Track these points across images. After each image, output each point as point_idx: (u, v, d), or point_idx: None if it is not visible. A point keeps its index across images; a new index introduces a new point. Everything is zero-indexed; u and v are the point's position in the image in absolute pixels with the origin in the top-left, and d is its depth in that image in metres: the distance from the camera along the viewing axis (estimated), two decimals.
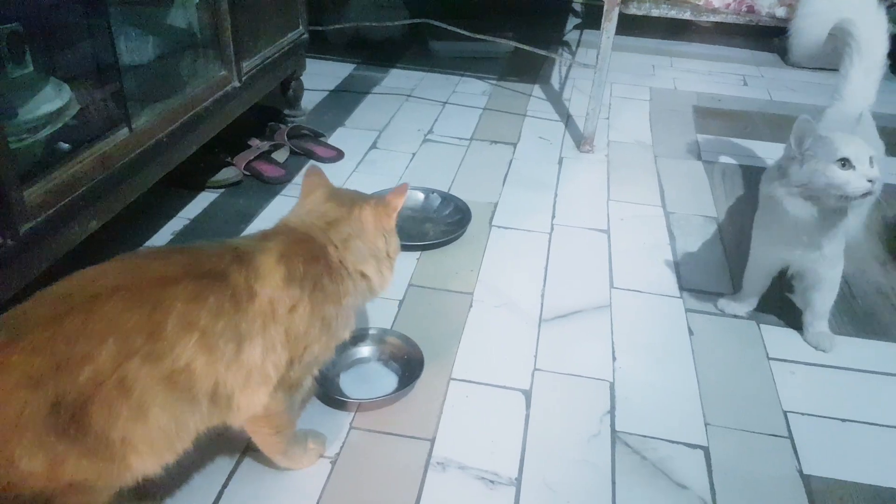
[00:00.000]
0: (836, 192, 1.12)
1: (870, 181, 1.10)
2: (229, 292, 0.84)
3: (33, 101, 1.17)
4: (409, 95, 2.41)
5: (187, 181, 1.75)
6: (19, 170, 1.04)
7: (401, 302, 1.39)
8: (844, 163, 1.11)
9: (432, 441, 1.10)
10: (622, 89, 2.57)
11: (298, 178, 1.84)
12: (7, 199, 1.01)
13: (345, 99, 2.37)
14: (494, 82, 2.57)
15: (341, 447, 1.08)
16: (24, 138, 1.12)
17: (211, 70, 1.62)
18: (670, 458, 1.09)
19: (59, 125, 1.18)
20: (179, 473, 0.99)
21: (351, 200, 1.02)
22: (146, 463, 0.80)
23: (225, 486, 1.00)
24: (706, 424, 1.16)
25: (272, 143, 1.93)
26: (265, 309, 0.87)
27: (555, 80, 2.63)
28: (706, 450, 1.11)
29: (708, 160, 2.07)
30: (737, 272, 1.49)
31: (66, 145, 1.20)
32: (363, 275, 1.00)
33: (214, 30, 1.60)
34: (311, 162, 1.90)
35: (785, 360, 1.30)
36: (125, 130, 1.29)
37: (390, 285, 1.06)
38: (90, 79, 1.32)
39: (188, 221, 1.63)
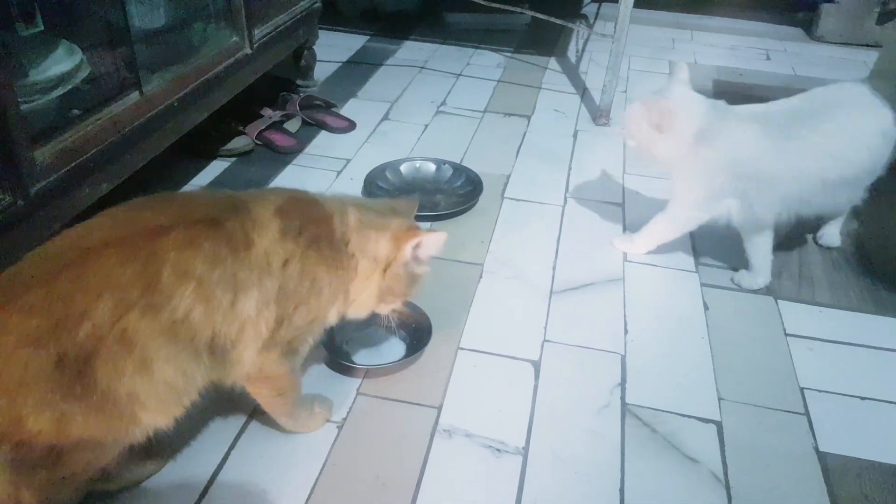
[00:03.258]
0: None
1: None
2: (225, 239, 0.82)
3: (44, 62, 1.16)
4: (422, 67, 2.38)
5: (200, 149, 1.74)
6: (30, 130, 1.04)
7: None
8: None
9: (439, 409, 1.09)
10: (641, 62, 2.52)
11: (310, 149, 1.83)
12: (17, 158, 1.01)
13: (357, 70, 2.34)
14: (509, 55, 2.53)
15: (348, 412, 1.07)
16: (34, 99, 1.12)
17: (223, 36, 1.60)
18: (681, 431, 1.08)
19: (70, 87, 1.17)
20: (187, 432, 0.99)
21: (400, 217, 0.99)
22: (155, 417, 0.80)
23: (232, 446, 1.01)
24: (719, 399, 1.14)
25: (284, 112, 1.92)
26: (261, 260, 0.84)
27: (571, 53, 2.58)
28: (719, 424, 1.09)
29: None
30: None
31: (76, 111, 1.19)
32: (356, 269, 0.95)
33: None
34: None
35: (803, 337, 1.28)
36: (136, 94, 1.29)
37: (363, 314, 1.00)
38: (101, 42, 1.31)
39: (200, 189, 1.63)
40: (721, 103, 1.32)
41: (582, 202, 1.66)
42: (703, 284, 1.40)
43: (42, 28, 1.11)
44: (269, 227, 0.86)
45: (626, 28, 1.90)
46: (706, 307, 1.34)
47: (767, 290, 1.38)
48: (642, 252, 1.47)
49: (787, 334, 1.28)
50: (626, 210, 1.63)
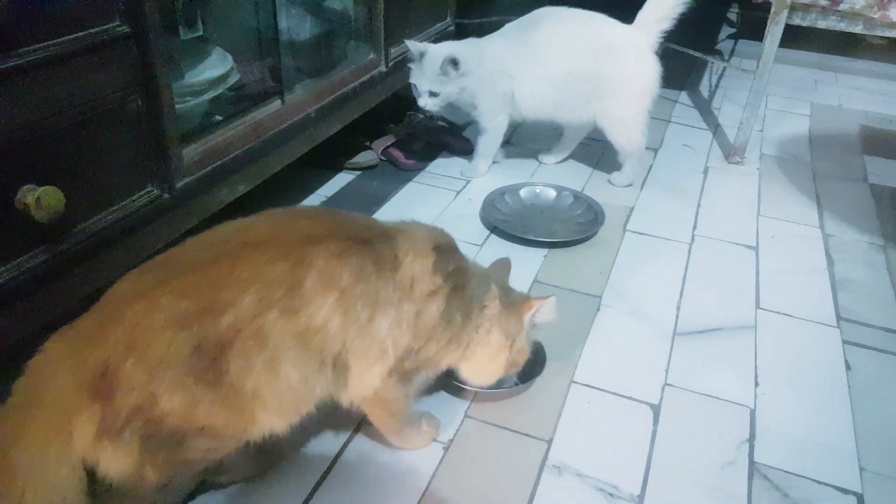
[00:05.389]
0: None
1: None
2: (373, 257, 0.83)
3: (199, 66, 1.23)
4: None
5: (327, 161, 1.79)
6: (181, 129, 1.10)
7: None
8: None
9: (549, 442, 1.04)
10: (779, 102, 2.39)
11: (431, 167, 1.84)
12: (168, 155, 1.06)
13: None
14: None
15: (455, 434, 1.05)
16: (186, 100, 1.18)
17: (361, 53, 1.65)
18: (817, 499, 0.97)
19: (220, 91, 1.24)
20: (296, 437, 1.00)
21: (516, 292, 1.06)
22: (273, 420, 0.80)
23: (338, 455, 1.00)
24: (861, 469, 1.02)
25: (409, 131, 1.95)
26: (405, 283, 0.86)
27: (704, 88, 2.48)
28: (860, 497, 0.98)
29: (876, 183, 1.87)
30: None
31: (223, 115, 1.25)
32: (486, 337, 0.99)
33: (368, 14, 1.63)
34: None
35: None
36: (278, 102, 1.34)
37: (488, 383, 1.04)
38: (251, 51, 1.38)
39: (325, 199, 1.67)
40: (471, 39, 1.70)
41: (711, 241, 1.57)
42: (844, 342, 1.28)
43: (202, 33, 1.17)
44: (425, 257, 0.88)
45: (769, 64, 1.80)
46: (848, 366, 1.22)
47: None
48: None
49: None
50: (759, 254, 1.52)
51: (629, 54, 1.62)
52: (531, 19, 1.68)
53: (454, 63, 1.58)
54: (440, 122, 2.02)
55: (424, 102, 1.64)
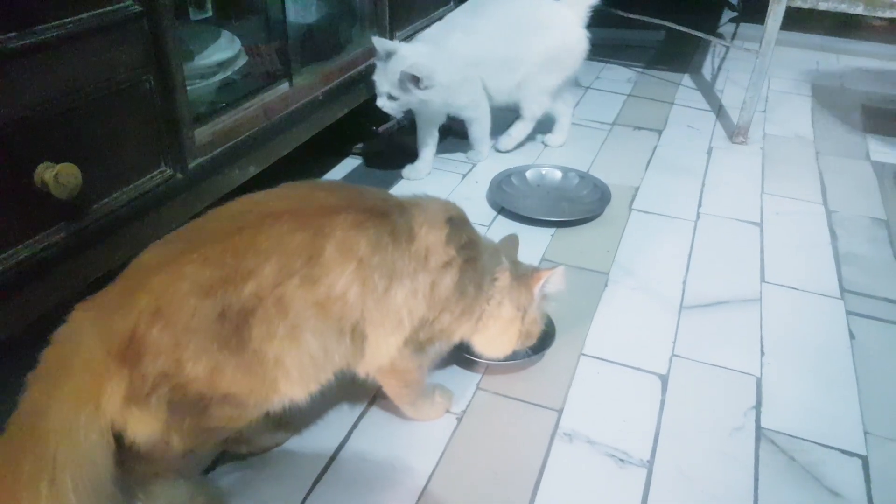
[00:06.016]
0: None
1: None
2: (389, 228, 0.85)
3: (208, 49, 1.24)
4: None
5: (334, 146, 1.81)
6: (192, 111, 1.11)
7: None
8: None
9: (560, 412, 1.06)
10: (782, 84, 2.39)
11: (438, 151, 1.85)
12: (181, 135, 1.08)
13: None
14: (641, 70, 2.48)
15: (467, 405, 1.07)
16: (196, 82, 1.20)
17: (366, 37, 1.66)
18: (822, 462, 0.99)
19: (229, 73, 1.25)
20: (314, 409, 1.01)
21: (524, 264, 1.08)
22: (294, 388, 0.82)
23: (354, 425, 1.02)
24: (865, 433, 1.04)
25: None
26: (420, 254, 0.87)
27: (706, 71, 2.49)
28: (865, 459, 1.00)
29: (878, 160, 1.88)
30: None
31: (233, 96, 1.27)
32: (497, 309, 1.01)
33: None
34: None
35: None
36: (286, 85, 1.36)
37: (502, 354, 1.06)
38: (259, 33, 1.39)
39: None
40: (436, 37, 1.64)
41: (716, 219, 1.58)
42: (848, 312, 1.30)
43: (211, 14, 1.19)
44: (438, 229, 0.90)
45: (772, 43, 1.81)
46: (852, 336, 1.24)
47: None
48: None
49: None
50: (763, 230, 1.54)
51: (559, 28, 1.71)
52: (474, 4, 1.71)
53: (415, 79, 1.50)
54: None
55: (382, 104, 1.56)
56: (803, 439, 1.03)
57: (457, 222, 0.94)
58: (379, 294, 0.84)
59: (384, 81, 1.53)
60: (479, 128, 1.78)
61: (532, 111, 1.81)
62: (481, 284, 0.98)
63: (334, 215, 0.82)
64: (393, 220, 0.87)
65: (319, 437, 1.00)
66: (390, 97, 1.54)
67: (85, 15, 0.88)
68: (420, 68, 1.49)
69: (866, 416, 1.07)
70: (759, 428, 1.04)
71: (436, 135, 1.75)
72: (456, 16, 1.71)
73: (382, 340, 0.88)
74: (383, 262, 0.84)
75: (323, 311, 0.80)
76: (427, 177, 1.74)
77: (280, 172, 1.39)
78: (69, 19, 0.87)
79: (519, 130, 1.85)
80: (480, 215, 1.58)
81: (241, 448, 0.95)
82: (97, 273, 0.98)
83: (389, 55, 1.51)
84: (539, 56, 1.69)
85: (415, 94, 1.53)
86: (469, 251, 0.94)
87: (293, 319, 0.78)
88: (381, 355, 0.90)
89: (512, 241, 1.13)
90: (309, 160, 1.74)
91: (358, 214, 0.83)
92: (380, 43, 1.52)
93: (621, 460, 0.98)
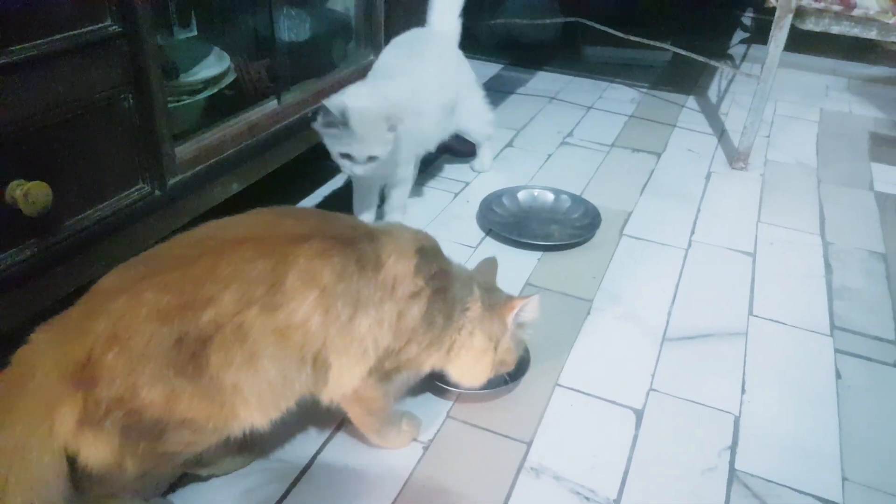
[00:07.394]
0: None
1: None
2: (356, 257, 0.85)
3: (196, 65, 1.25)
4: (552, 98, 2.36)
5: (323, 162, 1.80)
6: (174, 128, 1.12)
7: None
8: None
9: (529, 444, 1.04)
10: (788, 108, 2.36)
11: (431, 169, 1.85)
12: (160, 152, 1.08)
13: (488, 97, 2.35)
14: (645, 90, 2.46)
15: (435, 434, 1.05)
16: (182, 99, 1.20)
17: (360, 54, 1.66)
18: None
19: (216, 90, 1.26)
20: (277, 432, 1.01)
21: (500, 292, 1.06)
22: (254, 414, 0.82)
23: (318, 452, 1.01)
24: (843, 479, 1.02)
25: None
26: (388, 283, 0.87)
27: (712, 93, 2.47)
28: None
29: (881, 191, 1.84)
30: None
31: (218, 114, 1.27)
32: (469, 339, 0.99)
33: (368, 15, 1.64)
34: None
35: None
36: (274, 102, 1.36)
37: (477, 383, 1.03)
38: (248, 51, 1.40)
39: (321, 199, 1.69)
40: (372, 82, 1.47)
41: (708, 247, 1.56)
42: (837, 350, 1.27)
43: (196, 33, 1.19)
44: (408, 258, 0.89)
45: (773, 69, 1.79)
46: (838, 375, 1.21)
47: None
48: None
49: None
50: (756, 261, 1.51)
51: (454, 55, 1.65)
52: (399, 52, 1.55)
53: (398, 119, 1.33)
54: None
55: (362, 171, 1.34)
56: (778, 483, 1.00)
57: (427, 252, 0.93)
58: (343, 322, 0.84)
59: (359, 145, 1.30)
60: (405, 191, 1.57)
61: (488, 133, 1.79)
62: (451, 315, 0.96)
63: (299, 243, 0.82)
64: (360, 248, 0.86)
65: (281, 463, 1.00)
66: (371, 158, 1.32)
67: (62, 35, 0.89)
68: (395, 107, 1.32)
69: (846, 461, 1.05)
70: (732, 470, 1.02)
71: (376, 200, 1.58)
72: (389, 62, 1.53)
73: (346, 369, 0.87)
74: (348, 291, 0.83)
75: (283, 338, 0.80)
76: (419, 196, 1.73)
77: (269, 188, 1.40)
78: (45, 40, 0.87)
79: (487, 154, 1.86)
80: (468, 236, 1.56)
81: (201, 471, 0.95)
82: (69, 289, 0.98)
83: (347, 115, 1.26)
84: (461, 86, 1.65)
85: (391, 141, 1.34)
86: (439, 281, 0.93)
87: (252, 347, 0.78)
88: (344, 383, 0.89)
89: (489, 266, 1.11)
90: (299, 175, 1.74)
91: (324, 242, 0.83)
92: (333, 104, 1.26)
93: (587, 498, 0.97)
